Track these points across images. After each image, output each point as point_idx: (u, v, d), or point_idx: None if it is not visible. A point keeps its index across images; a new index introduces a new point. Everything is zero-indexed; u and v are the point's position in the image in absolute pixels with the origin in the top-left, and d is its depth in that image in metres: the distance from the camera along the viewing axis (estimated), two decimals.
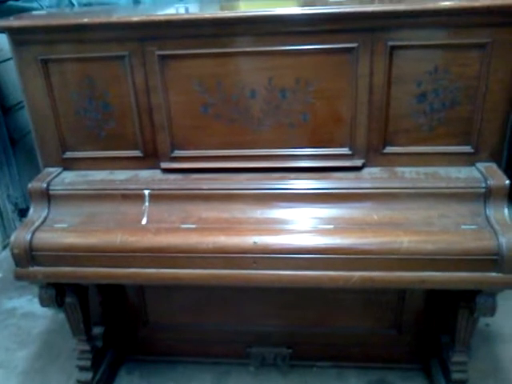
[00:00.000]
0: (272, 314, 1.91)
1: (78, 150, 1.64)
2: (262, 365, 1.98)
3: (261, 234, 1.43)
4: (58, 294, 1.62)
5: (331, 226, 1.44)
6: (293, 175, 1.55)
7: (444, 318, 1.76)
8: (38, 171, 1.67)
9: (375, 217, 1.45)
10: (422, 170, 1.52)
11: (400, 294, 1.82)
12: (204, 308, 1.94)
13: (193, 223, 1.49)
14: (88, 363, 1.84)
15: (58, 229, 1.52)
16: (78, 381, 1.88)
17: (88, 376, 1.85)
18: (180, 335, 2.01)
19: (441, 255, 1.36)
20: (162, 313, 1.97)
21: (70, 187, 1.58)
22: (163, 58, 1.47)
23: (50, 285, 1.59)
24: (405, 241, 1.37)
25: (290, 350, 1.93)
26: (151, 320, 1.99)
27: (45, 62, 1.51)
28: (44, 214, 1.55)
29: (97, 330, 1.91)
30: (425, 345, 1.91)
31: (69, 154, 1.65)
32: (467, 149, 1.51)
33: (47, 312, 2.43)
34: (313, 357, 1.99)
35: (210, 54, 1.46)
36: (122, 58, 1.48)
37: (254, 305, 1.90)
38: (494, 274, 1.36)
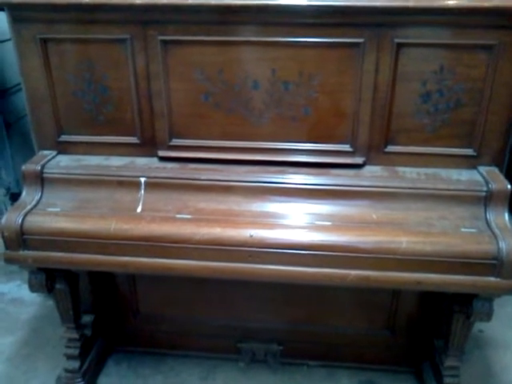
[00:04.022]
0: (264, 310, 1.89)
1: (74, 134, 1.61)
2: (251, 361, 1.96)
3: (257, 228, 1.41)
4: (48, 279, 1.59)
5: (329, 223, 1.42)
6: (292, 169, 1.52)
7: (438, 322, 1.75)
8: (32, 156, 1.63)
9: (374, 216, 1.43)
10: (423, 170, 1.50)
11: (394, 295, 1.80)
12: (195, 301, 1.92)
13: (188, 213, 1.47)
14: (76, 352, 1.81)
15: (51, 213, 1.49)
16: (65, 369, 1.85)
17: (75, 365, 1.83)
18: (170, 327, 1.99)
19: (439, 257, 1.34)
20: (153, 304, 1.95)
21: (64, 171, 1.55)
22: (165, 43, 1.44)
23: (40, 270, 1.56)
24: (404, 241, 1.35)
25: (281, 347, 1.91)
26: (141, 311, 1.97)
27: (44, 42, 1.47)
28: (37, 197, 1.52)
29: (86, 319, 1.88)
30: (417, 348, 1.90)
31: (64, 138, 1.61)
32: (469, 151, 1.49)
33: (36, 298, 2.41)
34: (304, 355, 1.97)
35: (213, 41, 1.43)
36: (123, 41, 1.45)
37: (246, 300, 1.88)
38: (492, 279, 1.34)
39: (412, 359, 1.93)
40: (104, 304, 1.94)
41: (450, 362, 1.68)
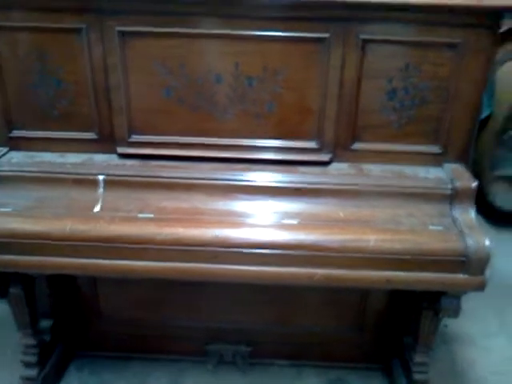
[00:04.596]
0: (231, 310, 1.86)
1: (26, 129, 1.52)
2: (220, 363, 1.92)
3: (222, 227, 1.36)
4: (1, 283, 1.51)
5: (295, 221, 1.39)
6: (257, 167, 1.48)
7: (407, 319, 1.75)
8: None
9: (341, 213, 1.40)
10: (389, 167, 1.48)
11: (363, 293, 1.79)
12: (160, 302, 1.86)
13: (150, 213, 1.41)
14: (34, 359, 1.73)
15: (2, 213, 1.40)
16: (22, 377, 1.76)
17: (33, 372, 1.74)
18: (135, 330, 1.92)
19: (408, 255, 1.32)
20: (116, 306, 1.88)
21: (16, 168, 1.46)
22: (123, 34, 1.37)
23: None
24: (372, 239, 1.33)
25: (250, 348, 1.88)
26: (104, 313, 1.90)
27: None
28: None
29: (45, 323, 1.79)
30: (386, 345, 1.90)
31: (16, 133, 1.52)
32: (435, 149, 1.48)
33: None
34: (273, 355, 1.94)
35: (174, 33, 1.37)
36: (78, 31, 1.37)
37: (213, 301, 1.84)
38: (460, 276, 1.34)
39: (381, 356, 1.93)
40: (64, 307, 1.86)
41: (418, 358, 1.68)
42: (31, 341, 1.70)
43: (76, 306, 1.87)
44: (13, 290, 1.56)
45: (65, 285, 1.80)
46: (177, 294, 1.81)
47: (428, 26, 1.34)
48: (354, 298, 1.80)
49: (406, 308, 1.75)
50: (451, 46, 1.36)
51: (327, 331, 1.89)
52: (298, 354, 1.94)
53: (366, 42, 1.34)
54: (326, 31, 1.34)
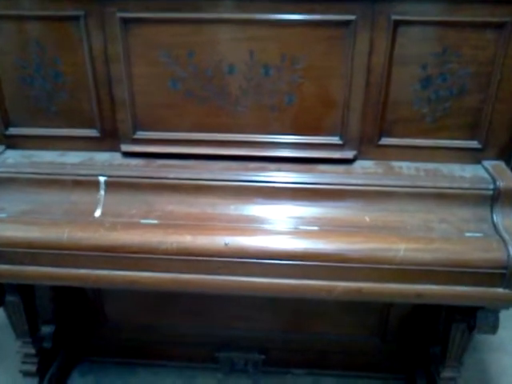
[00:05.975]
0: (243, 315, 1.74)
1: (23, 126, 1.40)
2: (231, 371, 1.82)
3: (233, 234, 1.23)
4: None
5: (315, 228, 1.25)
6: (273, 166, 1.34)
7: (433, 328, 1.61)
8: None
9: (367, 218, 1.26)
10: (421, 165, 1.33)
11: None
12: (168, 307, 1.76)
13: (155, 218, 1.28)
14: (33, 368, 1.63)
15: None
16: None
17: (33, 382, 1.65)
18: (141, 336, 1.83)
19: (441, 266, 1.18)
20: (122, 310, 1.79)
21: (12, 170, 1.35)
22: (126, 21, 1.23)
23: None
24: (401, 248, 1.18)
25: (263, 356, 1.76)
26: (109, 318, 1.81)
27: None
28: None
29: (46, 329, 1.70)
30: (410, 355, 1.76)
31: (13, 131, 1.41)
32: (474, 144, 1.32)
33: None
34: (288, 363, 1.83)
35: (181, 19, 1.23)
36: (76, 18, 1.24)
37: (224, 306, 1.73)
38: (500, 290, 1.19)
39: (404, 366, 1.80)
40: (67, 312, 1.76)
41: (447, 372, 1.54)
42: (30, 350, 1.60)
43: (80, 311, 1.78)
44: (10, 299, 1.46)
45: (68, 288, 1.69)
46: (186, 298, 1.70)
47: (469, 3, 1.16)
48: (377, 304, 1.67)
49: (434, 317, 1.60)
50: (495, 26, 1.19)
51: (347, 338, 1.78)
52: (315, 362, 1.83)
53: (397, 23, 1.18)
54: (352, 13, 1.18)
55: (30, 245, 1.24)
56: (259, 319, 1.74)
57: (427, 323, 1.66)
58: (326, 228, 1.25)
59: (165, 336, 1.81)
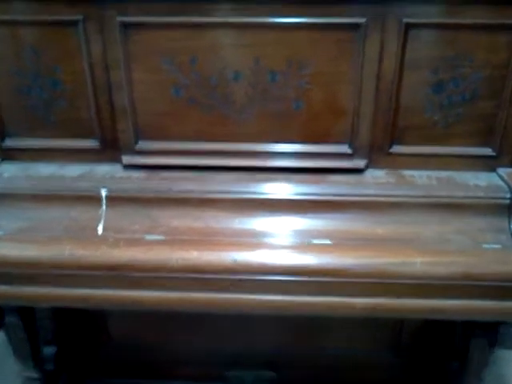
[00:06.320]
0: (253, 331, 1.69)
1: (20, 138, 1.34)
2: None
3: (242, 250, 1.18)
4: None
5: (327, 241, 1.19)
6: (281, 176, 1.29)
7: (449, 342, 1.56)
8: None
9: (379, 231, 1.21)
10: (433, 174, 1.28)
11: None
12: (174, 324, 1.71)
13: (160, 234, 1.23)
14: None
15: None
16: None
17: None
18: (148, 355, 1.77)
19: (460, 281, 1.13)
20: (127, 329, 1.74)
21: (8, 184, 1.29)
22: (126, 26, 1.18)
23: None
24: (417, 262, 1.13)
25: (274, 374, 1.70)
26: (114, 337, 1.75)
27: None
28: None
29: (48, 350, 1.63)
30: (425, 370, 1.71)
31: (9, 142, 1.35)
32: (488, 151, 1.27)
33: None
34: (299, 380, 1.76)
35: (183, 23, 1.17)
36: (74, 23, 1.18)
37: (232, 321, 1.66)
38: None
39: (418, 382, 1.74)
40: (69, 332, 1.70)
41: None
42: (33, 374, 1.53)
43: (82, 330, 1.72)
44: (9, 320, 1.40)
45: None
46: (193, 315, 1.63)
47: (482, 5, 1.12)
48: (389, 318, 1.61)
49: (449, 331, 1.56)
50: (510, 29, 1.14)
51: (359, 353, 1.73)
52: (327, 378, 1.76)
53: (409, 26, 1.13)
54: (362, 15, 1.13)
55: (28, 264, 1.19)
56: (269, 334, 1.70)
57: (443, 337, 1.61)
58: (339, 242, 1.19)
59: (171, 355, 1.76)
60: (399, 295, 1.15)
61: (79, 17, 1.18)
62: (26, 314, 1.44)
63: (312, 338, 1.70)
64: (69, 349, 1.72)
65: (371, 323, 1.64)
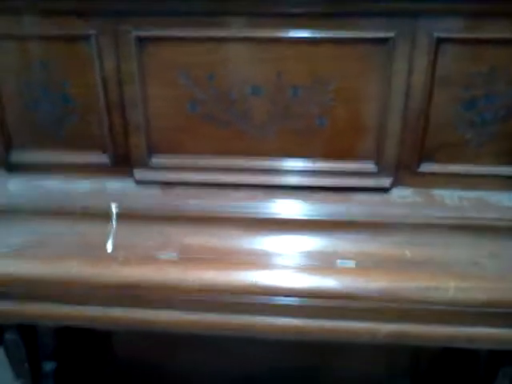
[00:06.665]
0: (265, 354, 1.62)
1: (28, 152, 1.29)
2: None
3: (261, 270, 1.11)
4: None
5: (352, 264, 1.12)
6: (301, 195, 1.22)
7: (473, 371, 1.46)
8: None
9: (408, 253, 1.14)
10: (464, 194, 1.21)
11: None
12: (184, 343, 1.63)
13: (173, 252, 1.16)
14: None
15: None
16: None
17: None
18: (154, 375, 1.69)
19: (495, 307, 1.06)
20: (133, 347, 1.67)
21: (15, 199, 1.24)
22: (141, 40, 1.13)
23: None
24: (451, 287, 1.06)
25: None
26: (119, 355, 1.69)
27: None
28: None
29: (47, 366, 1.55)
30: None
31: (17, 156, 1.29)
32: None
33: None
34: None
35: (201, 37, 1.13)
36: (87, 38, 1.14)
37: (243, 343, 1.56)
38: None
39: None
40: (71, 348, 1.62)
41: None
42: None
43: (86, 347, 1.65)
44: (9, 337, 1.33)
45: None
46: (200, 334, 1.56)
47: None
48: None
49: (472, 358, 1.46)
50: None
51: (374, 378, 1.65)
52: None
53: (440, 40, 1.08)
54: (391, 29, 1.08)
55: (33, 282, 1.12)
56: (281, 357, 1.63)
57: (464, 365, 1.52)
58: (365, 264, 1.12)
59: (179, 376, 1.68)
60: (429, 322, 1.08)
61: (92, 31, 1.13)
62: (27, 331, 1.37)
63: (324, 359, 1.63)
64: (70, 365, 1.64)
65: (388, 347, 1.55)
